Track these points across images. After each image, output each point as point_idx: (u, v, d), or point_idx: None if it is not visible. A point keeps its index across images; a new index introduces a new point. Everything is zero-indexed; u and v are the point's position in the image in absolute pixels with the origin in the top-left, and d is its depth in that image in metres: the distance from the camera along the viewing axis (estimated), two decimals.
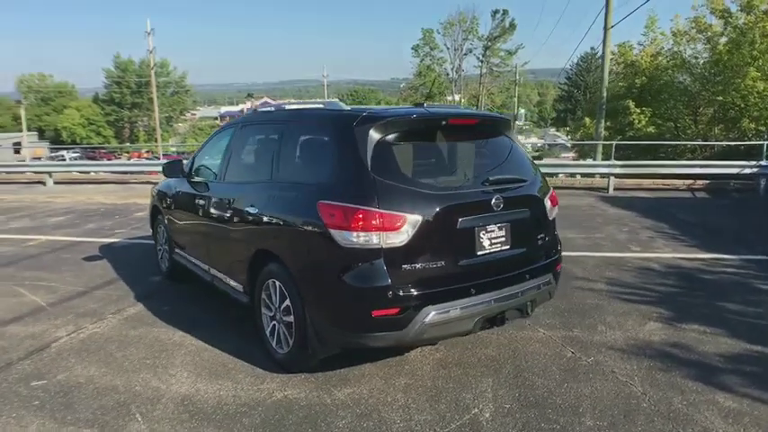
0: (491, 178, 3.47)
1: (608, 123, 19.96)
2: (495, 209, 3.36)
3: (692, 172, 13.48)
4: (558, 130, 64.52)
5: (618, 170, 13.27)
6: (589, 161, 17.35)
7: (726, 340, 4.12)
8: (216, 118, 63.44)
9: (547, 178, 4.06)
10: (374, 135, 3.22)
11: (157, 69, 47.37)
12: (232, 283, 4.28)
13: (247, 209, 3.90)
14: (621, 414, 3.11)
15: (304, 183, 3.54)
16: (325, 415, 3.15)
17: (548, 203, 3.83)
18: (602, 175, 13.77)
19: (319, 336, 3.36)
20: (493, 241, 3.41)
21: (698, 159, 17.08)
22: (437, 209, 3.17)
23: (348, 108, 3.64)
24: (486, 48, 46.78)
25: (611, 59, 20.33)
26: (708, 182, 13.37)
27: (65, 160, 34.93)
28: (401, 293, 3.08)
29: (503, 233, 3.45)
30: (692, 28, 19.74)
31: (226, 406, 3.27)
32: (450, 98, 48.36)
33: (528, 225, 3.63)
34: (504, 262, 3.48)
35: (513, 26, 44.85)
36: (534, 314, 4.65)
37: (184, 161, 5.46)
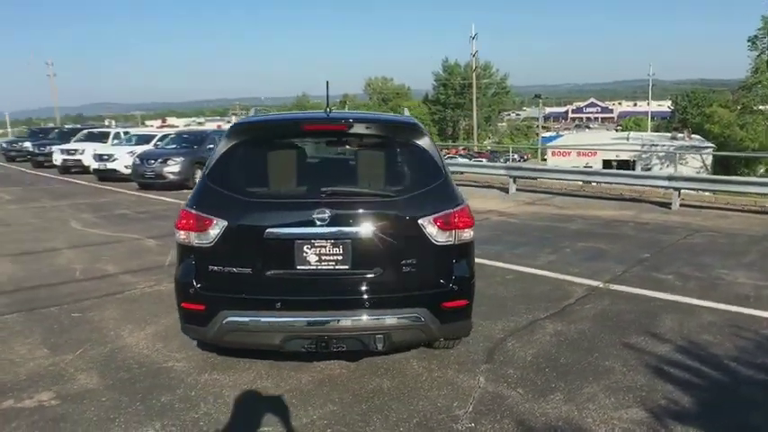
0: (325, 189, 3.18)
1: None
2: (319, 222, 3.07)
3: None
4: None
5: None
6: None
7: None
8: (536, 118, 63.35)
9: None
10: (226, 142, 3.42)
11: (480, 71, 50.32)
12: None
13: None
14: None
15: None
16: (162, 390, 3.48)
17: (430, 226, 3.19)
18: None
19: None
20: (323, 258, 3.11)
21: None
22: (244, 215, 3.17)
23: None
24: None
25: None
26: None
27: None
28: (202, 291, 3.21)
29: (338, 251, 3.11)
30: None
31: (129, 359, 3.93)
32: None
33: (384, 247, 3.15)
34: (338, 283, 3.14)
35: None
36: (508, 360, 3.83)
37: None
